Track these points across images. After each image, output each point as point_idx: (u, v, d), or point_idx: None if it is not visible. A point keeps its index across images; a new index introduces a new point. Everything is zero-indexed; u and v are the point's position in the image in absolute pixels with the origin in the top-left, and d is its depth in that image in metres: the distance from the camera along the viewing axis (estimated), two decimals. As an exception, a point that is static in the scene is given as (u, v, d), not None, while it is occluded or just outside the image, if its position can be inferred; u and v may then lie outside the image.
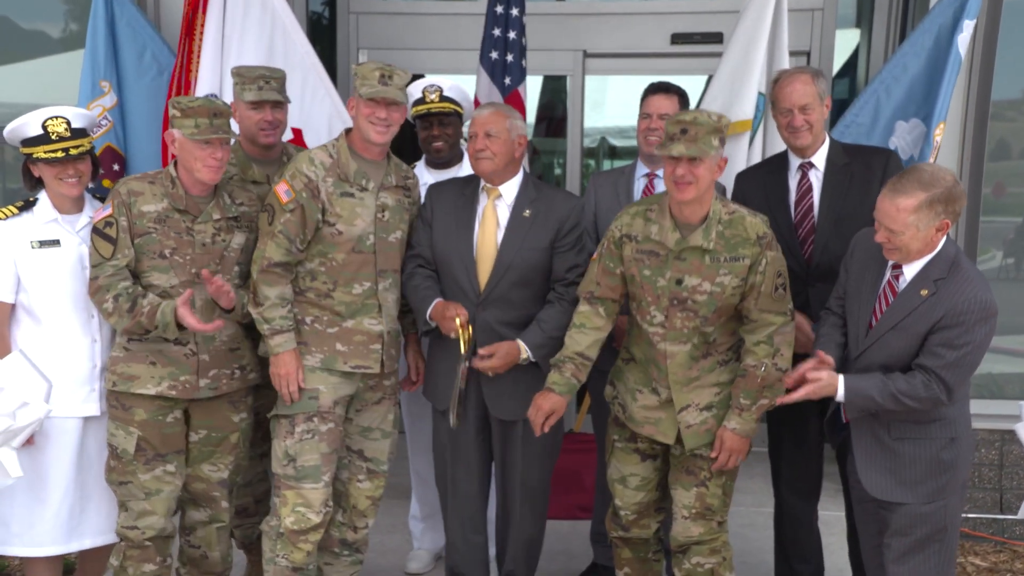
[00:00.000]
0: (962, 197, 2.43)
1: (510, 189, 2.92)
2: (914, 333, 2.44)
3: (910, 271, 2.49)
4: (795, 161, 3.05)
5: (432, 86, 3.35)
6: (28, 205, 2.85)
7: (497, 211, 2.91)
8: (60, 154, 2.76)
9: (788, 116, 2.96)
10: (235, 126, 3.38)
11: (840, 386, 2.48)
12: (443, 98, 3.34)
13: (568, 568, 3.64)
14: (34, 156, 2.78)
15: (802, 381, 2.51)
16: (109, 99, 3.74)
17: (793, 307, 2.69)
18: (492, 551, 3.24)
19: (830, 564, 3.36)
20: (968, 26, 3.61)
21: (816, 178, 3.01)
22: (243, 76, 3.03)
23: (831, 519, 3.39)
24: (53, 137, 2.77)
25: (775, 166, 3.13)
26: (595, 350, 2.76)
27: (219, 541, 2.97)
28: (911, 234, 2.41)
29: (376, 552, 3.69)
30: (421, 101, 3.34)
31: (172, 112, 2.72)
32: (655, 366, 2.73)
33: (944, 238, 2.47)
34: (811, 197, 3.01)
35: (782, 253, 2.69)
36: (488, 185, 2.92)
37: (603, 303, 2.77)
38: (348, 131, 2.88)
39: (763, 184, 3.10)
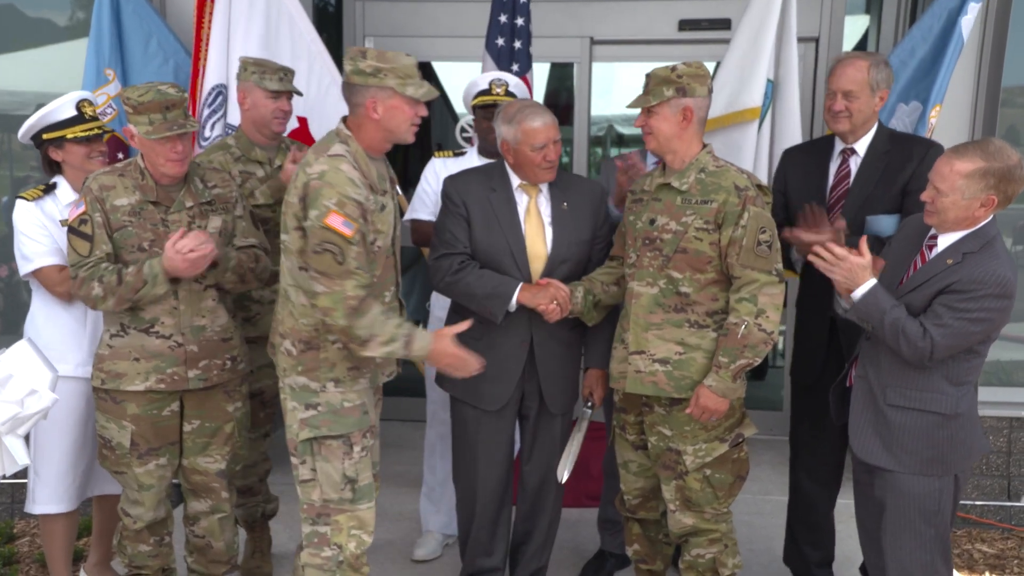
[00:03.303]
0: (1021, 183, 2.40)
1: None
2: (927, 294, 2.44)
3: (944, 241, 2.49)
4: (839, 146, 3.03)
5: (499, 80, 3.45)
6: (49, 189, 2.99)
7: (540, 207, 2.90)
8: (96, 131, 2.94)
9: (831, 99, 2.93)
10: (225, 109, 3.53)
11: (868, 284, 2.46)
12: (508, 92, 3.42)
13: (576, 554, 3.65)
14: (67, 137, 2.91)
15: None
16: (114, 87, 3.76)
17: (781, 269, 2.65)
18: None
19: (840, 552, 3.36)
20: (973, 8, 3.59)
21: (855, 165, 2.98)
22: (263, 66, 3.17)
23: (841, 506, 3.39)
24: (87, 117, 2.94)
25: (820, 148, 3.10)
26: (607, 276, 2.87)
27: (223, 530, 2.98)
28: (954, 199, 2.40)
29: (383, 540, 3.71)
30: (487, 92, 3.40)
31: (125, 107, 2.67)
32: (626, 312, 2.76)
33: (988, 218, 2.45)
34: (847, 184, 2.98)
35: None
36: (524, 183, 2.89)
37: (620, 260, 2.89)
38: (343, 125, 2.57)
39: (804, 164, 3.09)
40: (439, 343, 2.55)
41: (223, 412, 2.90)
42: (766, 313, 2.58)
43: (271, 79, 3.14)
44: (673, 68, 2.64)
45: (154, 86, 2.68)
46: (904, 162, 2.92)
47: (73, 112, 2.93)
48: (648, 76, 2.68)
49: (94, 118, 2.96)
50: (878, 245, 2.67)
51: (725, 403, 2.63)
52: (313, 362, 2.56)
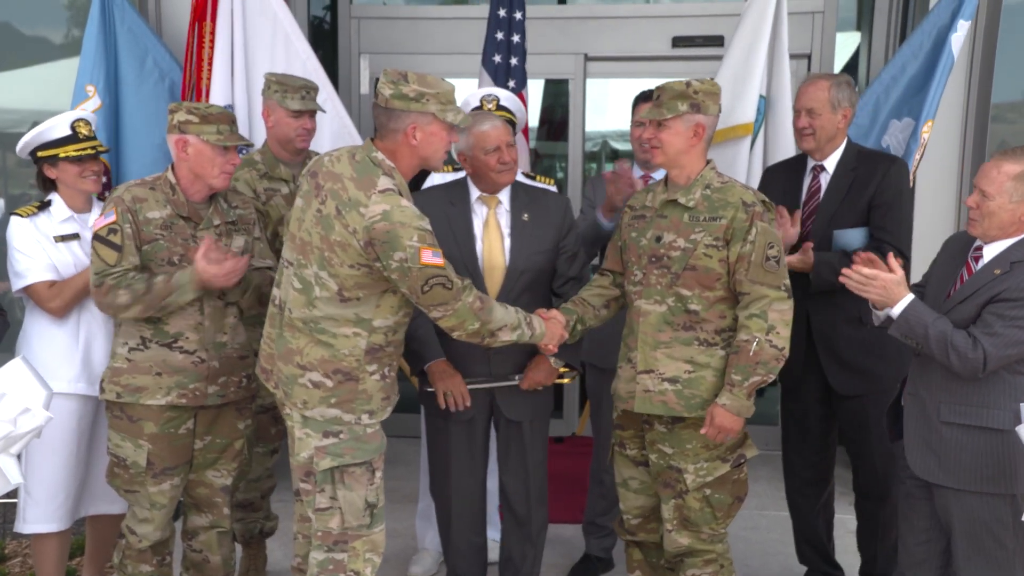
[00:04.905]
0: None
1: (505, 195, 2.94)
2: (976, 304, 2.41)
3: (990, 252, 2.47)
4: (810, 163, 3.12)
5: (490, 95, 3.44)
6: (44, 206, 3.01)
7: (499, 219, 2.92)
8: (90, 151, 2.95)
9: (797, 117, 3.06)
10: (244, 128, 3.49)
11: (906, 299, 2.43)
12: (499, 107, 3.41)
13: (563, 559, 3.65)
14: (60, 156, 2.94)
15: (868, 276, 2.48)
16: (92, 103, 3.74)
17: (789, 284, 2.65)
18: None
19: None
20: (963, 26, 3.63)
21: (825, 181, 3.07)
22: (285, 84, 3.20)
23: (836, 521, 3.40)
24: (81, 136, 2.96)
25: (795, 165, 3.20)
26: (597, 299, 2.87)
27: (220, 546, 2.97)
28: (1001, 202, 2.39)
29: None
30: (479, 109, 3.40)
31: (186, 118, 2.70)
32: (632, 331, 2.74)
33: None
34: (817, 199, 3.07)
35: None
36: (485, 195, 2.92)
37: (611, 275, 2.90)
38: (379, 152, 2.47)
39: (783, 182, 3.18)
40: (551, 322, 2.68)
41: (234, 429, 2.90)
42: (776, 329, 2.56)
43: (292, 98, 3.17)
44: (688, 83, 2.61)
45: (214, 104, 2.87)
46: (869, 177, 2.99)
47: (68, 131, 2.95)
48: (660, 88, 2.66)
49: (89, 138, 2.98)
50: (846, 259, 2.71)
51: (740, 422, 2.60)
52: (351, 394, 2.50)
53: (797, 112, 3.05)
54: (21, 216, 2.96)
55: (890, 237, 2.94)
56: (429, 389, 2.93)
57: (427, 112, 2.44)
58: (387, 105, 2.44)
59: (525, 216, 2.91)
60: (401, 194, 2.42)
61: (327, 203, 2.43)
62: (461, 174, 3.45)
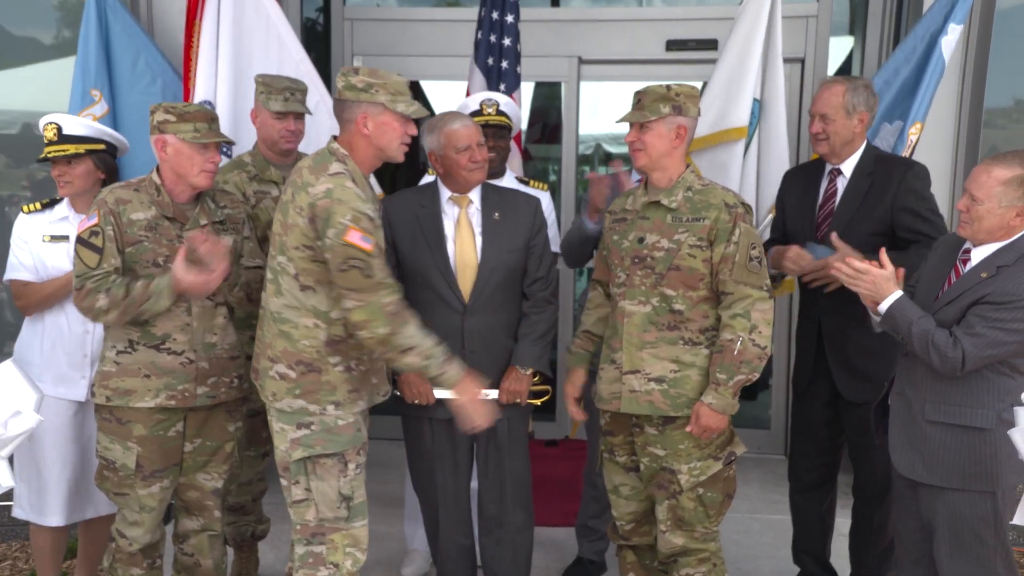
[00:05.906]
0: None
1: (476, 194, 2.99)
2: (960, 307, 2.43)
3: (978, 255, 2.48)
4: (827, 167, 3.13)
5: (490, 100, 3.45)
6: (52, 203, 3.05)
7: (470, 218, 2.95)
8: (42, 156, 2.96)
9: (811, 122, 3.06)
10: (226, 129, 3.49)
11: (894, 295, 2.46)
12: (499, 112, 3.43)
13: (555, 562, 3.65)
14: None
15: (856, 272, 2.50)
16: (99, 108, 3.74)
17: (770, 284, 2.68)
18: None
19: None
20: (954, 29, 3.65)
21: (841, 185, 3.07)
22: (269, 86, 3.19)
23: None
24: (45, 141, 2.98)
25: (813, 170, 3.21)
26: (600, 326, 2.92)
27: (212, 549, 2.96)
28: (990, 206, 2.40)
29: (370, 561, 3.67)
30: (478, 113, 3.39)
31: (164, 117, 2.69)
32: (615, 332, 2.76)
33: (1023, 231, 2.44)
34: (833, 203, 3.08)
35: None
36: (456, 195, 2.96)
37: (601, 284, 2.94)
38: (336, 144, 2.57)
39: (800, 185, 3.20)
40: (470, 380, 2.59)
41: (224, 431, 2.89)
42: (759, 328, 2.59)
43: (275, 99, 3.17)
44: (668, 87, 2.67)
45: (200, 104, 2.86)
46: (886, 184, 2.99)
47: (42, 135, 2.98)
48: (641, 93, 2.70)
49: (52, 143, 2.96)
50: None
51: (725, 420, 2.64)
52: (314, 385, 2.54)
53: (812, 116, 3.04)
54: (24, 212, 3.03)
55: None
56: (397, 393, 2.95)
57: (376, 102, 2.51)
58: (340, 97, 2.54)
59: (496, 215, 2.95)
60: (353, 180, 2.48)
61: (287, 192, 2.53)
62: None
